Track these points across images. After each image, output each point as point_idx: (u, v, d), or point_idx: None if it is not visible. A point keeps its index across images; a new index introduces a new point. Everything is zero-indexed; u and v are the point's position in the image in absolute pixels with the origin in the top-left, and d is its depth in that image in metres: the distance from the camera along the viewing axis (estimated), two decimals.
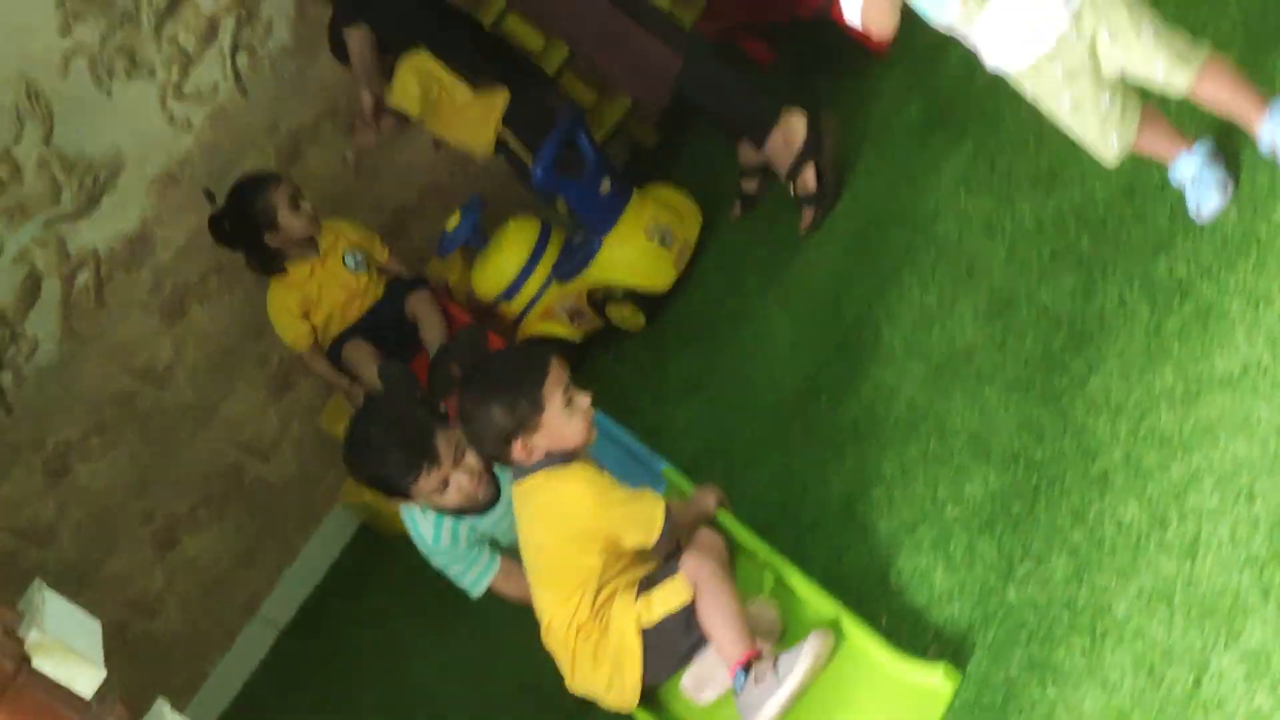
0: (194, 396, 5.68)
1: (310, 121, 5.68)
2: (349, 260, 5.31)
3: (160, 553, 5.77)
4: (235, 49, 5.53)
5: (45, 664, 2.34)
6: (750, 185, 4.84)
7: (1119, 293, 3.24)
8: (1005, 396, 3.35)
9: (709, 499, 3.59)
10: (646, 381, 4.79)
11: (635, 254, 4.92)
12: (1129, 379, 3.06)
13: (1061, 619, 2.84)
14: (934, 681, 2.97)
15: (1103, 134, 2.99)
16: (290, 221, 5.16)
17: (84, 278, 5.44)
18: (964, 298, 3.67)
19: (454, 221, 5.28)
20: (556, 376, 3.36)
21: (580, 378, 4.82)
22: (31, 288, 5.40)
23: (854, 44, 4.55)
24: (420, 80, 5.00)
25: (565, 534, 3.35)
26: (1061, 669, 2.76)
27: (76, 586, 5.27)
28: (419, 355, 5.21)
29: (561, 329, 5.16)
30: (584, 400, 3.38)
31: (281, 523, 5.88)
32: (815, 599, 3.32)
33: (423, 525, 3.77)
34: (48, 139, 5.29)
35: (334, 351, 5.33)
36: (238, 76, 5.55)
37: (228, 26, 5.50)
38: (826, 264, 4.29)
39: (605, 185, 4.93)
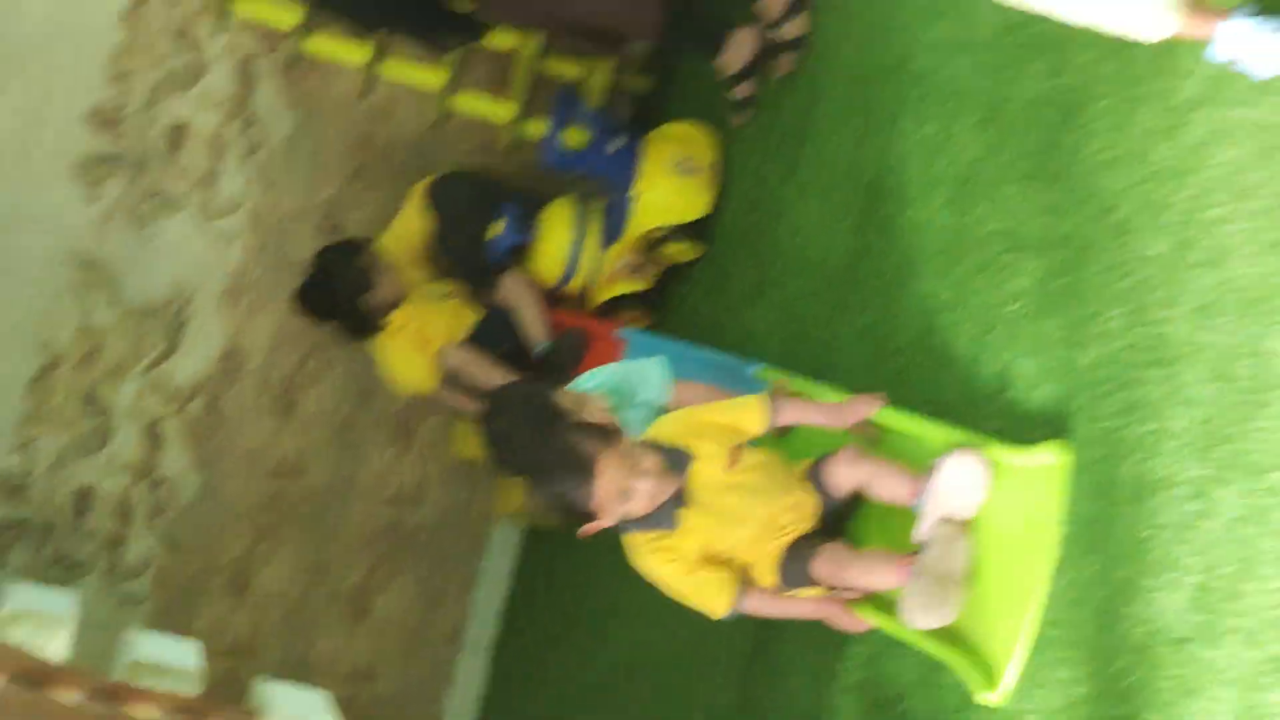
0: (331, 474, 5.98)
1: (337, 192, 5.95)
2: (434, 291, 5.41)
3: (357, 622, 6.08)
4: (248, 153, 5.80)
5: None
6: (743, 90, 5.07)
7: (1084, 60, 3.44)
8: (1021, 190, 3.57)
9: (858, 409, 3.66)
10: (718, 298, 5.04)
11: (667, 194, 5.17)
12: (1120, 130, 3.27)
13: (1133, 361, 3.06)
14: (1051, 459, 3.20)
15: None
16: (386, 281, 5.29)
17: (195, 406, 5.76)
18: (957, 119, 3.89)
19: (496, 229, 5.53)
20: (606, 484, 3.40)
21: (661, 318, 5.13)
22: (153, 435, 5.72)
23: None
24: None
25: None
26: (1148, 403, 2.99)
27: (293, 680, 5.60)
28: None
29: (629, 285, 5.41)
30: (643, 485, 3.43)
31: (453, 554, 6.18)
32: (932, 434, 3.54)
33: None
34: (115, 299, 5.60)
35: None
36: (260, 176, 5.83)
37: (232, 137, 5.78)
38: (831, 137, 4.52)
39: (615, 144, 5.18)
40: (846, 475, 3.52)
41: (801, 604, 3.62)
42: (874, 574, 3.40)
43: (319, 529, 6.01)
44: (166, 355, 5.78)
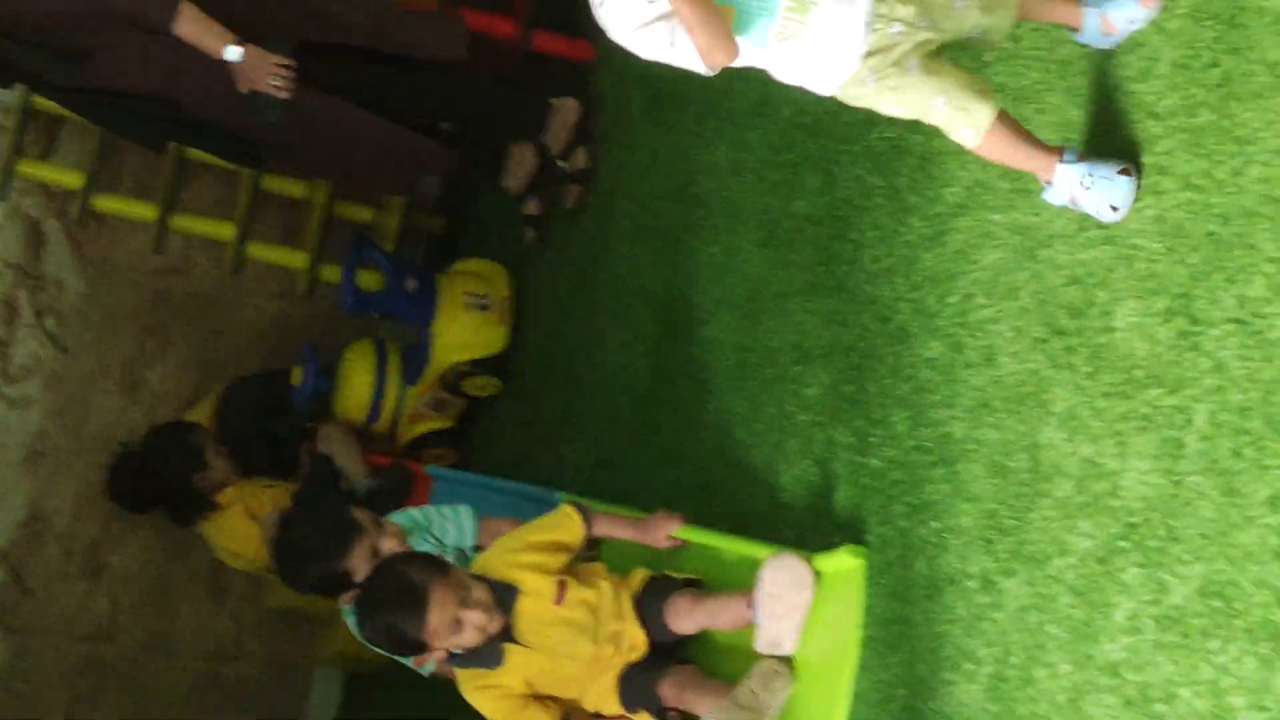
0: (146, 633, 5.91)
1: (135, 349, 5.91)
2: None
3: None
4: (40, 315, 5.75)
5: None
6: (530, 209, 5.14)
7: (853, 174, 3.57)
8: (804, 303, 3.67)
9: (660, 525, 3.71)
10: (525, 430, 5.09)
11: (464, 330, 5.22)
12: (889, 242, 3.39)
13: (919, 461, 3.16)
14: (846, 564, 3.27)
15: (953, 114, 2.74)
16: (218, 462, 5.15)
17: (0, 575, 5.66)
18: (740, 237, 4.00)
19: (297, 376, 5.53)
20: (439, 612, 3.39)
21: (466, 453, 5.16)
22: None
23: (559, 61, 4.95)
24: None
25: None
26: (935, 502, 3.08)
27: None
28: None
29: (433, 423, 5.44)
30: (473, 616, 3.42)
31: (274, 705, 6.11)
32: (733, 548, 3.60)
33: None
34: None
35: None
36: (53, 339, 5.78)
37: (23, 300, 5.73)
38: (623, 263, 4.61)
39: (410, 284, 5.23)
40: (686, 623, 3.51)
41: None
42: (708, 698, 3.41)
43: (138, 690, 5.91)
44: None
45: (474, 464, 5.20)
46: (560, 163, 4.95)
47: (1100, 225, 2.76)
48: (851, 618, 3.22)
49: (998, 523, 2.89)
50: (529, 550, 3.59)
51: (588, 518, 3.66)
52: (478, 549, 3.91)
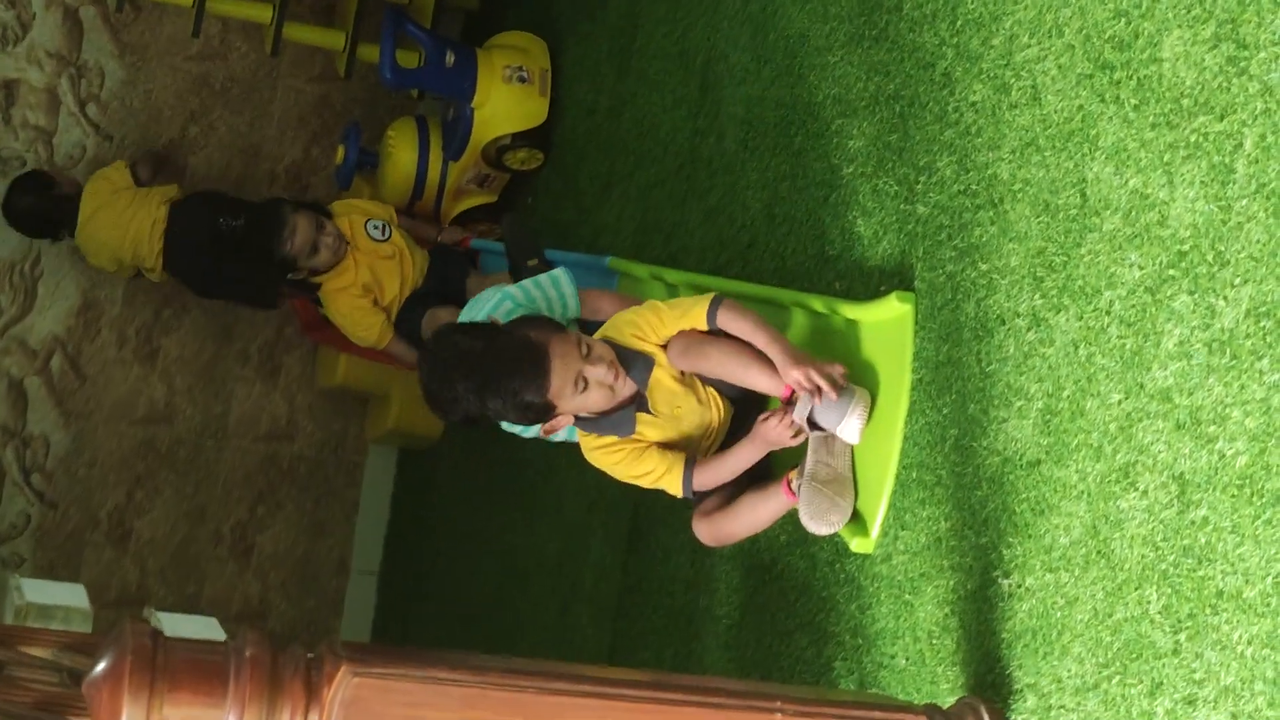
0: (202, 417, 6.01)
1: (178, 134, 5.95)
2: (372, 232, 5.19)
3: (244, 561, 6.13)
4: (83, 104, 5.78)
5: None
6: None
7: None
8: (846, 55, 3.66)
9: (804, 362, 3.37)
10: (568, 201, 5.12)
11: (504, 103, 5.23)
12: None
13: (966, 205, 3.17)
14: (894, 309, 3.30)
15: None
16: (315, 259, 5.09)
17: (57, 363, 5.75)
18: None
19: (340, 155, 5.57)
20: (561, 369, 3.27)
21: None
22: (17, 394, 5.71)
23: None
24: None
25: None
26: (982, 244, 3.10)
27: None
28: None
29: (478, 198, 5.48)
30: (597, 371, 3.30)
31: (331, 484, 6.23)
32: (781, 297, 3.64)
33: None
34: None
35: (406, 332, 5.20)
36: (96, 127, 5.82)
37: (65, 89, 5.75)
38: (661, 27, 4.59)
39: (449, 59, 5.22)
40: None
41: (746, 449, 3.45)
42: (762, 510, 3.44)
43: (195, 472, 6.04)
44: (22, 315, 5.76)
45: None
46: None
47: None
48: (902, 362, 3.26)
49: (1046, 260, 2.91)
50: (660, 322, 3.44)
51: (722, 311, 3.38)
52: (579, 322, 3.79)
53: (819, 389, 3.22)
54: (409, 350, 5.19)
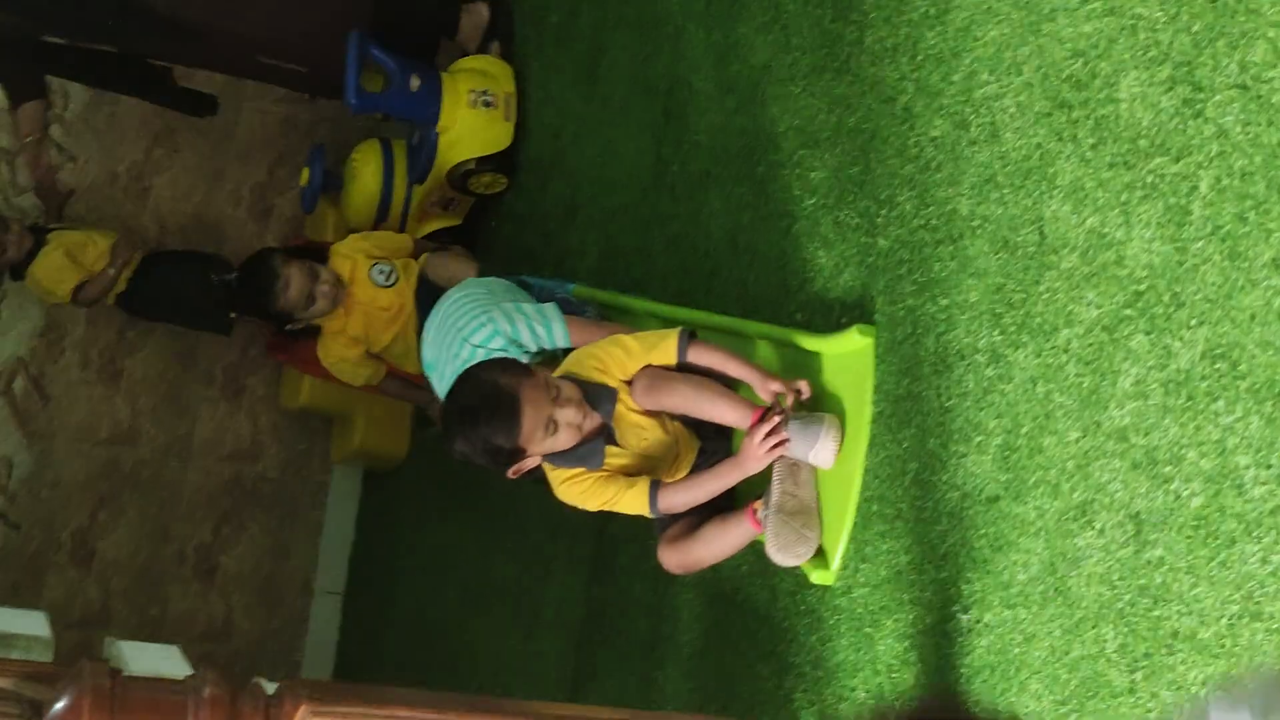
0: (166, 438, 5.99)
1: (142, 156, 5.94)
2: (377, 277, 5.00)
3: (208, 582, 6.12)
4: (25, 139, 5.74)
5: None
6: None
7: None
8: (808, 86, 3.68)
9: (776, 384, 3.39)
10: (532, 225, 5.13)
11: (468, 127, 5.23)
12: (891, 22, 3.39)
13: (926, 240, 3.19)
14: (855, 342, 3.32)
15: None
16: (312, 310, 4.93)
17: (20, 384, 5.74)
18: (741, 22, 3.99)
19: (305, 177, 5.57)
20: (533, 414, 3.29)
21: (475, 250, 5.20)
22: None
23: None
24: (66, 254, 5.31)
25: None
26: (942, 279, 3.12)
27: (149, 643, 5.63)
28: None
29: (441, 221, 5.48)
30: (566, 413, 3.33)
31: (296, 505, 6.22)
32: (743, 328, 3.65)
33: None
34: None
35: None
36: (58, 147, 5.80)
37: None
38: (623, 53, 4.61)
39: (414, 82, 5.22)
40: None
41: (720, 472, 3.43)
42: (728, 538, 3.45)
43: (159, 492, 6.03)
44: None
45: (484, 260, 5.23)
46: None
47: None
48: (863, 395, 3.27)
49: (1005, 296, 2.93)
50: (627, 357, 3.47)
51: (691, 347, 3.44)
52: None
53: (799, 392, 3.30)
54: (403, 387, 5.21)
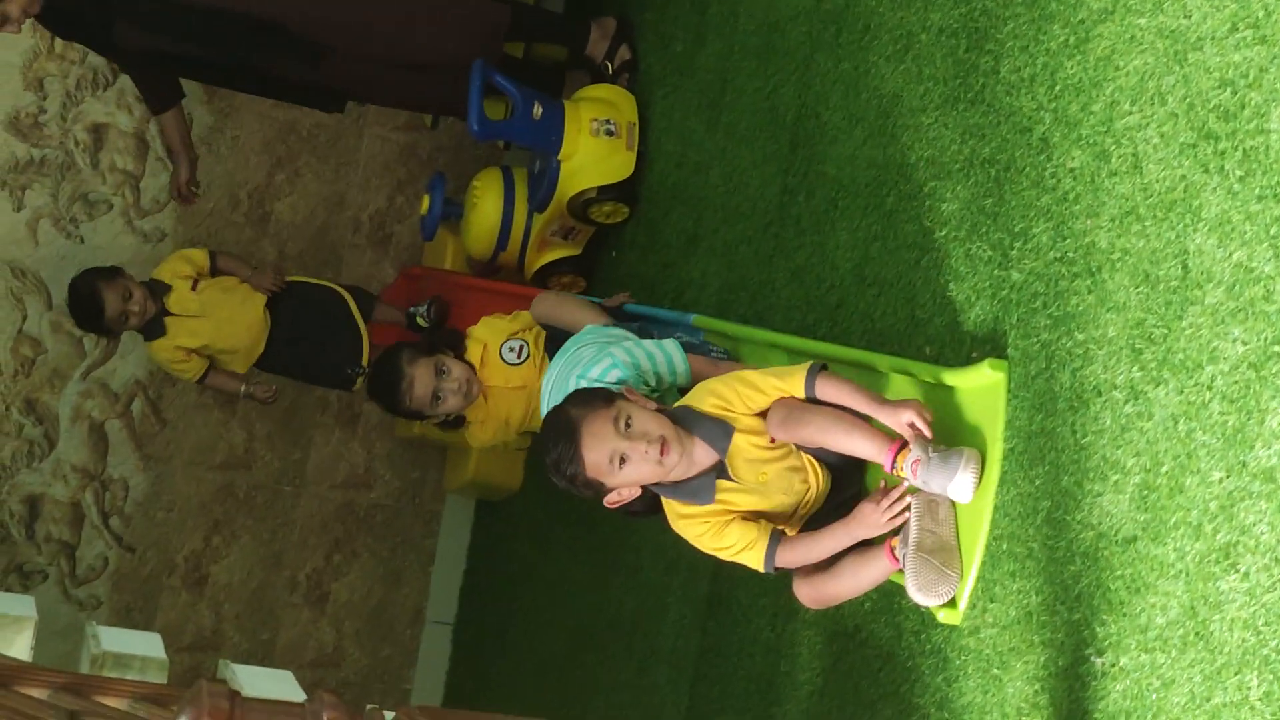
0: (280, 463, 6.01)
1: (263, 180, 5.97)
2: (508, 355, 4.79)
3: (319, 609, 6.11)
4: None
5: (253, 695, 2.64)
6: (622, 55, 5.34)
7: None
8: (941, 117, 3.62)
9: (907, 411, 3.27)
10: (652, 255, 5.08)
11: (590, 156, 5.20)
12: (1029, 51, 3.32)
13: (1062, 273, 3.11)
14: (987, 377, 3.24)
15: None
16: (440, 408, 4.74)
17: (138, 406, 5.76)
18: (872, 52, 3.94)
19: (425, 205, 5.57)
20: (594, 445, 3.27)
21: (595, 281, 5.18)
22: (98, 437, 5.73)
23: None
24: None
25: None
26: (1079, 313, 3.04)
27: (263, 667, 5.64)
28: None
29: (561, 250, 5.46)
30: (637, 448, 3.26)
31: (408, 534, 6.22)
32: (871, 361, 3.59)
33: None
34: (49, 304, 5.60)
35: None
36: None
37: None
38: (750, 82, 4.56)
39: (537, 110, 5.20)
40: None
41: (838, 532, 3.35)
42: (864, 575, 3.36)
43: (273, 518, 6.04)
44: (105, 358, 5.77)
45: (603, 291, 5.20)
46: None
47: (1254, 24, 2.68)
48: (994, 431, 3.20)
49: (1145, 331, 2.85)
50: (753, 391, 3.39)
51: (820, 381, 3.34)
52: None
53: (929, 423, 3.21)
54: None
